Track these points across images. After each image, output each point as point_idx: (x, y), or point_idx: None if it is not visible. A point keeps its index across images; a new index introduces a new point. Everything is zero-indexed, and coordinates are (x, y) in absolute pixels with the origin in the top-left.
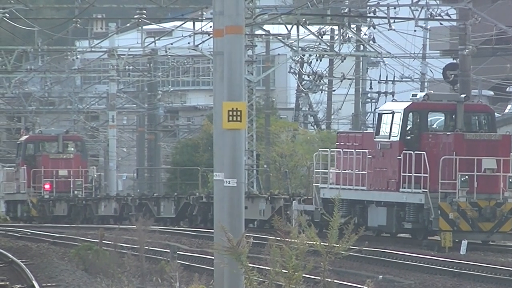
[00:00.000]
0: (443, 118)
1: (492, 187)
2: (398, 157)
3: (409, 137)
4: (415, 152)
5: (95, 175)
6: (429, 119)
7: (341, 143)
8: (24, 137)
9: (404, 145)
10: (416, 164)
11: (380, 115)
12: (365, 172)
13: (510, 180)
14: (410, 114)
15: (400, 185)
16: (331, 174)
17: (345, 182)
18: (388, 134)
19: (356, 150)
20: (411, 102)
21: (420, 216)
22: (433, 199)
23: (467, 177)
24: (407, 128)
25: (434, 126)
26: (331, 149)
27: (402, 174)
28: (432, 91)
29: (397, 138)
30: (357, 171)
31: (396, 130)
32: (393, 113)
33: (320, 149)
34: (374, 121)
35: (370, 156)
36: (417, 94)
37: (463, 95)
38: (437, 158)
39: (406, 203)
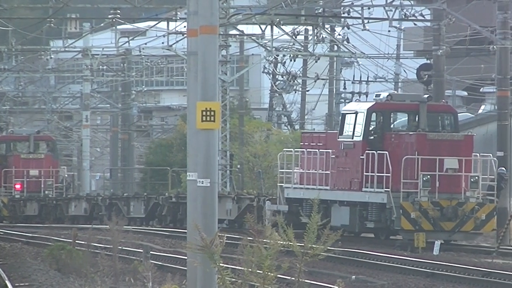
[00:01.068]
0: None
1: (454, 187)
2: (361, 157)
3: (372, 137)
4: (378, 152)
5: (66, 175)
6: (393, 120)
7: (306, 143)
8: None
9: (367, 145)
10: (379, 163)
11: (343, 115)
12: (329, 172)
13: (472, 180)
14: (373, 114)
15: (363, 184)
16: (295, 174)
17: (308, 182)
18: (352, 134)
19: (320, 150)
20: (374, 102)
21: (383, 215)
22: (395, 198)
23: (429, 176)
24: (370, 128)
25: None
26: (295, 149)
27: (365, 173)
28: (395, 92)
29: (360, 138)
30: (320, 171)
31: (359, 130)
32: (356, 113)
33: (285, 149)
34: None
35: (333, 156)
36: (380, 94)
37: (425, 96)
38: (399, 158)
39: (368, 203)
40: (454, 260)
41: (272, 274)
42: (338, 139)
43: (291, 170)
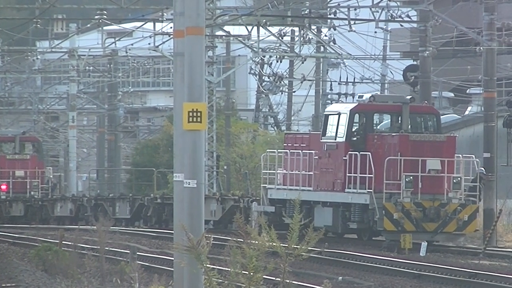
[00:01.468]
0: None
1: (437, 188)
2: (344, 157)
3: (355, 138)
4: (361, 153)
5: (52, 176)
6: (379, 121)
7: (289, 144)
8: None
9: (350, 146)
10: (362, 164)
11: (326, 116)
12: (312, 173)
13: (454, 180)
14: (356, 115)
15: (345, 185)
16: (279, 175)
17: (292, 183)
18: (335, 135)
19: (303, 151)
20: (357, 104)
21: (365, 216)
22: (378, 199)
23: (411, 177)
24: (353, 129)
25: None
26: (279, 150)
27: (347, 174)
28: (378, 93)
29: (343, 139)
30: (303, 171)
31: (342, 131)
32: (339, 114)
33: (268, 150)
34: None
35: (316, 157)
36: (363, 95)
37: (408, 97)
38: (382, 158)
39: (351, 204)
40: (441, 261)
41: (258, 275)
42: (321, 140)
43: (274, 171)
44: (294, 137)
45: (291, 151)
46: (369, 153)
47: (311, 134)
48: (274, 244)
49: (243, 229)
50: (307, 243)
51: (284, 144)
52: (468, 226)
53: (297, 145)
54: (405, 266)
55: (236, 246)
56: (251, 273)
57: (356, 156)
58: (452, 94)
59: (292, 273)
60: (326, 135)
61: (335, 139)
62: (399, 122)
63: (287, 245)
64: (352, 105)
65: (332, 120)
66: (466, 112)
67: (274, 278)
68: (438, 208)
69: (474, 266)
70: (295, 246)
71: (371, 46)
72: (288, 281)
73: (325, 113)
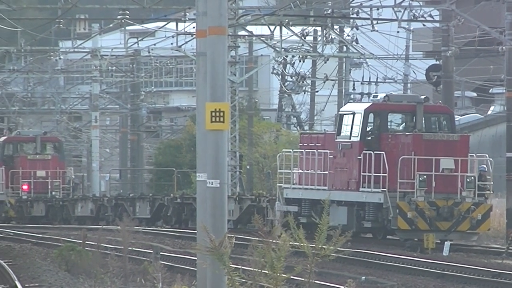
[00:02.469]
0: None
1: (450, 187)
2: (358, 157)
3: (369, 138)
4: (375, 152)
5: (73, 176)
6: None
7: (304, 144)
8: (2, 138)
9: (364, 145)
10: (376, 164)
11: (341, 116)
12: (327, 172)
13: (468, 180)
14: (371, 115)
15: (360, 184)
16: (294, 175)
17: (307, 182)
18: (349, 134)
19: (318, 151)
20: (371, 103)
21: (380, 215)
22: (392, 198)
23: (425, 176)
24: (368, 129)
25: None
26: (294, 150)
27: (362, 174)
28: (393, 92)
29: (358, 139)
30: (319, 171)
31: (357, 130)
32: (353, 113)
33: (284, 150)
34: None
35: (331, 156)
36: (377, 95)
37: (422, 96)
38: (396, 158)
39: (366, 203)
40: (464, 261)
41: (284, 276)
42: (336, 140)
43: (290, 171)
44: (309, 137)
45: (306, 150)
46: (383, 152)
47: (326, 134)
48: (302, 244)
49: (262, 229)
50: (335, 244)
51: (300, 144)
52: (482, 225)
53: (312, 144)
54: (428, 266)
55: (261, 246)
56: (278, 274)
57: (371, 155)
58: (474, 94)
59: (315, 273)
60: (341, 134)
61: (350, 139)
62: (414, 121)
63: (314, 245)
64: (367, 105)
65: (347, 119)
66: (489, 112)
67: (297, 278)
68: (451, 207)
69: (497, 265)
70: (322, 247)
71: (394, 46)
72: (313, 281)
73: (339, 112)
